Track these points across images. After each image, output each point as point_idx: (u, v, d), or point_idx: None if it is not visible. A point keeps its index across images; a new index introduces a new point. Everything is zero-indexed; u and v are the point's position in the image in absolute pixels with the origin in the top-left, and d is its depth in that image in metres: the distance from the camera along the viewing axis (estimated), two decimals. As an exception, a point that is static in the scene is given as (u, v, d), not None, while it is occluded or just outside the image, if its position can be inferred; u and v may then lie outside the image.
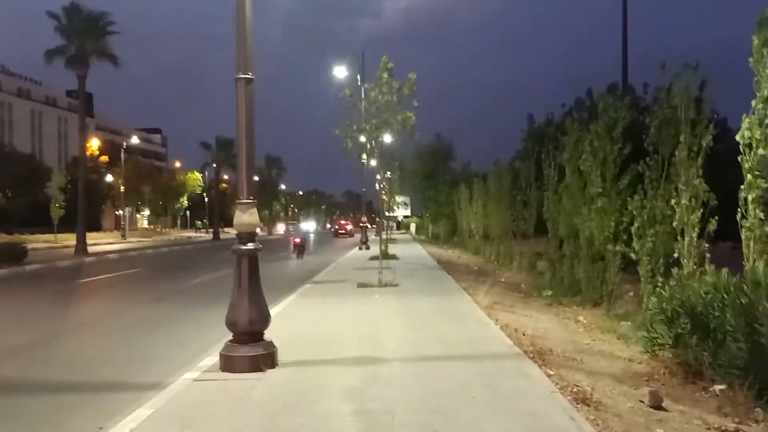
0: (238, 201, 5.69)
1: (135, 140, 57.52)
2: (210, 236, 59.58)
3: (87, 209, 31.50)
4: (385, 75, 12.76)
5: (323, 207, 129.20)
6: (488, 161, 39.64)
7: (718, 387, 5.93)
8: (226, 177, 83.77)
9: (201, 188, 72.75)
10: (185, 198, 72.51)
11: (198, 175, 71.37)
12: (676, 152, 8.92)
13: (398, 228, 74.68)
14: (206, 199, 74.81)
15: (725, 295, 6.25)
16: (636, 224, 10.12)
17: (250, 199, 5.70)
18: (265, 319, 5.78)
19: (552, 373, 5.27)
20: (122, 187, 53.12)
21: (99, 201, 55.79)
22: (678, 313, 6.49)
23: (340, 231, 55.85)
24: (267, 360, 5.60)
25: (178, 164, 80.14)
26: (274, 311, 9.46)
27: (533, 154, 19.65)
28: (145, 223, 75.16)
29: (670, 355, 6.50)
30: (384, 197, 20.94)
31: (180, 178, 71.60)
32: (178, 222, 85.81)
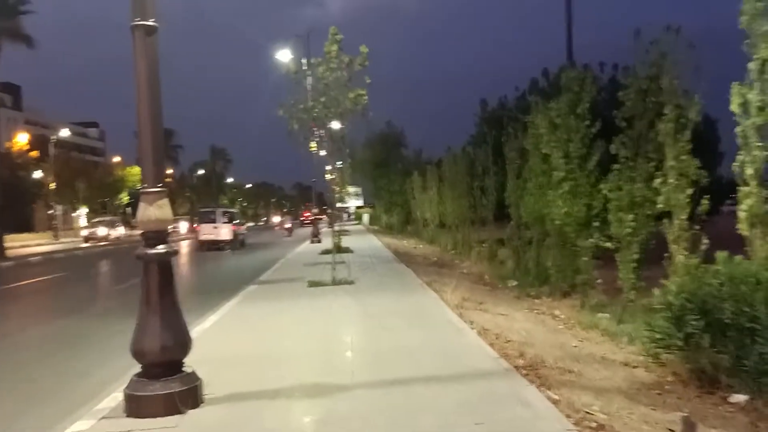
0: (141, 190, 4.31)
1: (65, 133, 53.78)
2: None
3: (10, 208, 28.78)
4: (334, 48, 11.43)
5: (273, 200, 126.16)
6: (439, 149, 38.80)
7: (740, 398, 4.99)
8: (170, 171, 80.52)
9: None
10: (125, 194, 68.92)
11: (138, 169, 67.89)
12: (661, 126, 7.95)
13: (349, 218, 73.40)
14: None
15: (742, 287, 5.34)
16: (611, 208, 9.23)
17: (159, 187, 4.32)
18: (183, 345, 4.44)
19: (556, 397, 4.15)
20: (51, 184, 49.62)
21: (28, 199, 52.02)
22: (687, 309, 5.53)
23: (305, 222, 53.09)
24: (187, 398, 4.27)
25: (117, 159, 76.26)
26: (209, 322, 8.09)
27: (490, 138, 18.75)
28: (83, 222, 71.12)
29: (679, 359, 5.52)
30: (335, 187, 19.65)
31: (118, 174, 67.96)
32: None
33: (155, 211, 4.27)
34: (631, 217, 8.89)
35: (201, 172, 78.75)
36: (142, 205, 4.31)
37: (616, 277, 11.34)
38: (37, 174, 51.10)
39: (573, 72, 10.68)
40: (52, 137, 50.51)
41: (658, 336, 5.71)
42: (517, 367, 4.90)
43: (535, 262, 13.44)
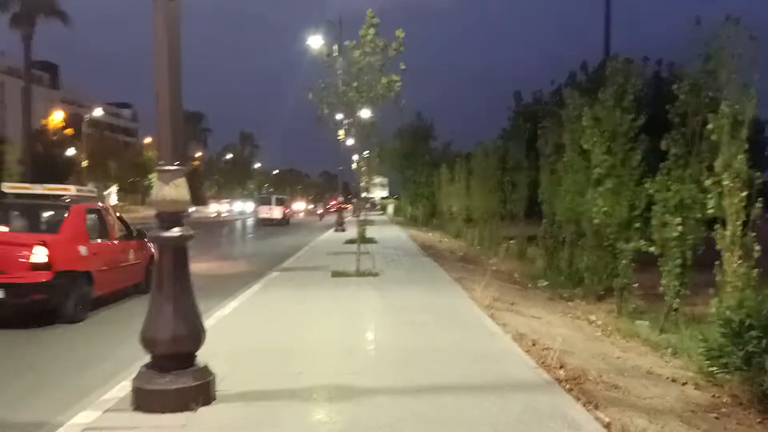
0: (158, 167, 3.96)
1: (99, 112, 54.39)
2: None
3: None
4: (371, 31, 10.98)
5: (299, 187, 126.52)
6: (468, 143, 38.10)
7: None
8: (199, 154, 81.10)
9: (170, 165, 69.92)
10: (155, 174, 69.62)
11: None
12: (715, 123, 7.34)
13: (373, 208, 72.88)
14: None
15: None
16: (657, 210, 8.65)
17: (176, 165, 3.97)
18: (196, 336, 4.10)
19: (606, 418, 3.69)
20: (84, 162, 50.27)
21: (61, 176, 52.84)
22: (748, 326, 5.01)
23: (330, 210, 50.36)
24: (199, 394, 3.93)
25: (148, 140, 77.09)
26: (229, 308, 7.80)
27: (524, 132, 18.12)
28: (113, 200, 72.12)
29: (738, 380, 5.01)
30: (362, 176, 19.26)
31: (149, 154, 68.64)
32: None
33: (171, 190, 3.92)
34: (678, 220, 8.33)
35: (229, 156, 79.18)
36: (157, 184, 3.97)
37: (652, 281, 10.77)
38: (71, 152, 51.79)
39: (619, 62, 10.03)
40: (85, 116, 51.09)
41: (714, 353, 5.21)
42: (558, 380, 4.46)
43: (568, 262, 12.89)
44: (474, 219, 23.12)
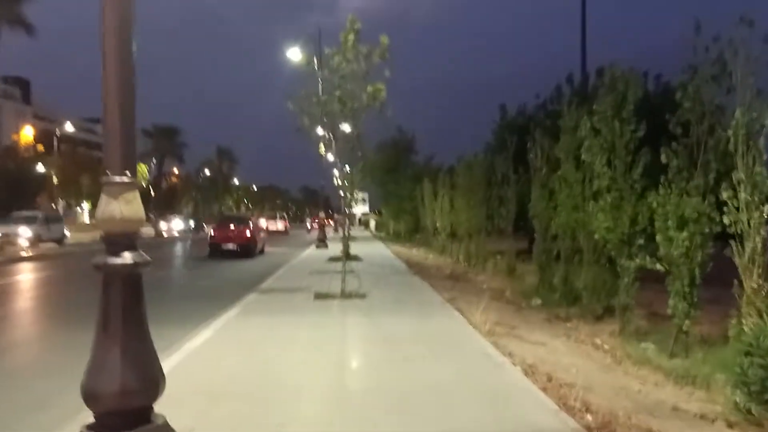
0: (104, 179, 3.23)
1: (70, 127, 53.02)
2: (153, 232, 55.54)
3: (15, 201, 27.83)
4: (351, 37, 10.38)
5: (278, 202, 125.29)
6: (449, 157, 37.73)
7: None
8: (176, 171, 79.67)
9: (147, 181, 68.49)
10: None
11: (144, 167, 67.09)
12: (729, 132, 6.79)
13: (358, 224, 72.28)
14: (152, 193, 70.48)
15: None
16: (659, 225, 8.10)
17: (127, 176, 3.23)
18: (152, 386, 3.34)
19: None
20: (55, 178, 48.83)
21: (31, 193, 51.24)
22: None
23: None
24: (155, 462, 3.15)
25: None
26: (200, 338, 7.01)
27: (511, 145, 17.62)
28: (86, 218, 70.38)
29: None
30: (344, 192, 18.59)
31: (124, 170, 67.16)
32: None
33: (122, 207, 3.18)
34: (684, 235, 7.78)
35: (207, 172, 78.01)
36: (103, 199, 3.22)
37: (648, 298, 10.22)
38: (41, 168, 50.33)
39: (618, 70, 9.53)
40: (57, 131, 49.76)
41: (755, 387, 4.58)
42: (589, 429, 3.77)
43: (563, 280, 12.30)
44: (459, 234, 22.53)
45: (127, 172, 3.23)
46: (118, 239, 3.23)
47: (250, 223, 25.70)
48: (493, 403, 4.28)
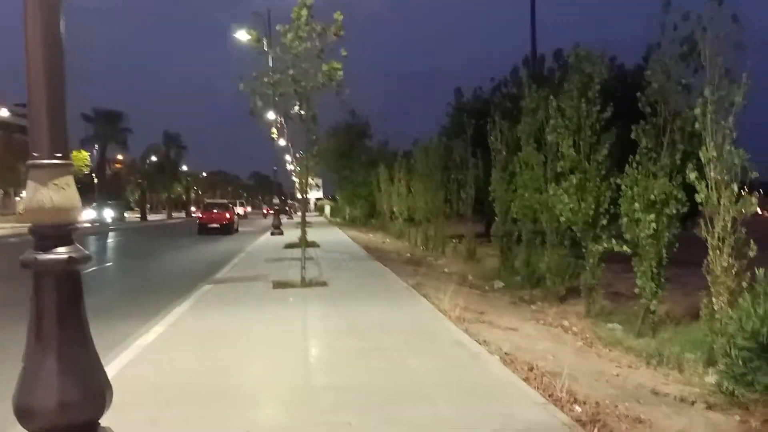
0: (30, 162, 2.74)
1: (5, 113, 50.11)
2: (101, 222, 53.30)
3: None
4: (304, 13, 9.85)
5: (229, 189, 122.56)
6: (404, 142, 37.52)
7: None
8: (120, 157, 76.48)
9: (89, 168, 65.54)
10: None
11: (85, 153, 64.04)
12: (697, 111, 6.68)
13: (314, 209, 71.50)
14: (96, 181, 67.57)
15: None
16: (626, 206, 8.03)
17: (59, 158, 2.76)
18: (96, 398, 2.90)
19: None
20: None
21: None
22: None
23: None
24: (103, 486, 2.72)
25: (63, 142, 71.96)
26: (153, 334, 6.49)
27: (469, 128, 17.43)
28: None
29: (761, 401, 4.28)
30: (299, 177, 18.02)
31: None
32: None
33: (52, 194, 2.70)
34: (652, 216, 7.72)
35: (154, 159, 75.29)
36: (31, 186, 2.73)
37: (608, 279, 10.26)
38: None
39: (584, 50, 9.38)
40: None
41: (739, 370, 4.46)
42: (579, 421, 3.54)
43: (525, 262, 12.23)
44: (417, 219, 22.34)
45: (59, 154, 2.74)
46: (50, 232, 2.75)
47: (229, 207, 33.25)
48: (478, 398, 4.00)
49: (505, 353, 5.14)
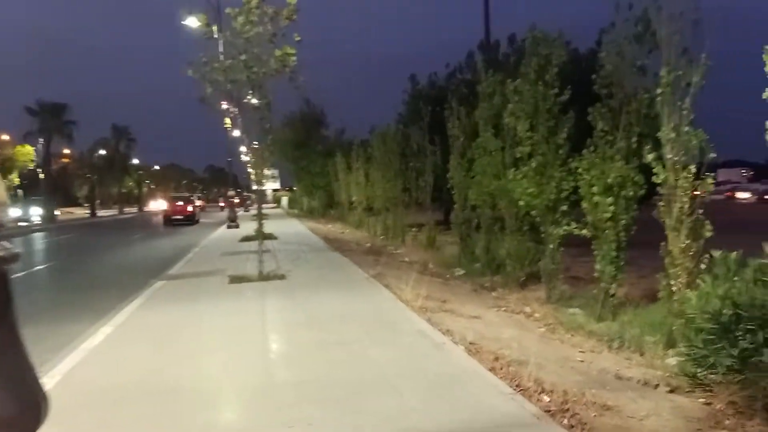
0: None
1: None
2: (46, 218, 51.22)
3: None
4: (255, -5, 9.51)
5: (183, 182, 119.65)
6: (361, 130, 37.31)
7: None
8: (66, 151, 73.58)
9: (34, 163, 62.80)
10: (15, 175, 62.18)
11: (30, 148, 61.24)
12: (655, 92, 6.69)
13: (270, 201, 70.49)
14: (41, 176, 64.85)
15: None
16: (585, 190, 8.04)
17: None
18: (29, 410, 2.59)
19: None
20: None
21: None
22: (740, 319, 4.30)
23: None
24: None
25: (5, 137, 68.79)
26: (98, 336, 6.12)
27: (426, 116, 17.33)
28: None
29: (731, 383, 4.29)
30: (254, 168, 17.60)
31: (8, 152, 61.18)
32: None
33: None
34: (610, 200, 7.75)
35: (103, 152, 72.72)
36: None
37: (570, 263, 10.35)
38: None
39: (541, 32, 9.32)
40: None
41: (701, 352, 4.46)
42: (548, 411, 3.44)
43: (485, 249, 12.22)
44: (376, 208, 22.18)
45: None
46: (-31, 226, 2.45)
47: (191, 200, 37.82)
48: (444, 390, 3.86)
49: (470, 342, 5.04)
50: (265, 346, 5.42)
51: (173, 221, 33.32)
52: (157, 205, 71.50)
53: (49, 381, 4.34)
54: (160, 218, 37.36)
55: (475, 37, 22.94)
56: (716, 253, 5.10)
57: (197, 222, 34.61)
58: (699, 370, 4.50)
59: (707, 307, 4.50)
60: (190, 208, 35.03)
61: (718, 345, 4.32)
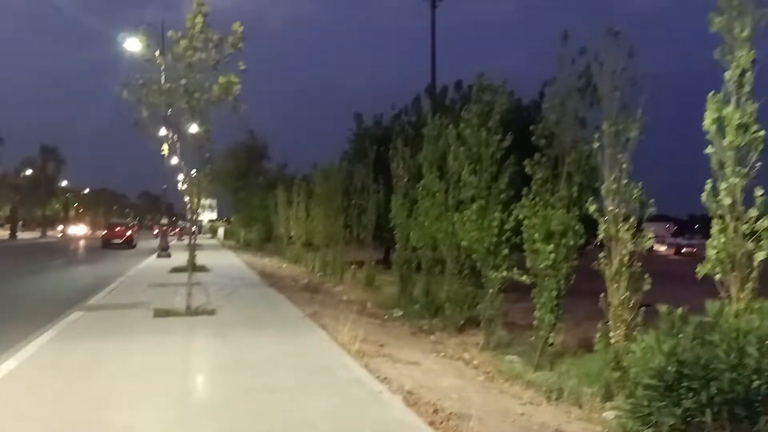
0: None
1: None
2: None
3: None
4: (199, 21, 9.24)
5: (115, 207, 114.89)
6: (304, 165, 37.23)
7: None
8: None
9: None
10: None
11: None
12: (594, 146, 6.81)
13: (200, 232, 68.41)
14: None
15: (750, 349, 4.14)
16: (527, 237, 8.05)
17: None
18: None
19: None
20: None
21: None
22: (682, 376, 4.23)
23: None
24: None
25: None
26: (1, 372, 5.50)
27: (372, 154, 17.31)
28: None
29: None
30: (191, 197, 16.94)
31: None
32: None
33: None
34: (551, 247, 7.76)
35: (29, 172, 69.02)
36: None
37: (507, 309, 10.30)
38: None
39: (486, 80, 9.46)
40: None
41: (644, 410, 4.35)
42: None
43: (425, 291, 12.06)
44: (315, 243, 21.77)
45: None
46: None
47: (129, 225, 40.89)
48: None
49: (408, 392, 4.77)
50: (184, 393, 4.95)
51: (111, 244, 35.91)
52: (77, 230, 68.26)
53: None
54: (81, 243, 40.03)
55: (420, 75, 23.45)
56: (662, 308, 5.09)
57: (134, 246, 36.82)
58: (642, 427, 4.39)
59: (651, 363, 4.43)
60: (128, 233, 37.99)
61: (661, 403, 4.23)
